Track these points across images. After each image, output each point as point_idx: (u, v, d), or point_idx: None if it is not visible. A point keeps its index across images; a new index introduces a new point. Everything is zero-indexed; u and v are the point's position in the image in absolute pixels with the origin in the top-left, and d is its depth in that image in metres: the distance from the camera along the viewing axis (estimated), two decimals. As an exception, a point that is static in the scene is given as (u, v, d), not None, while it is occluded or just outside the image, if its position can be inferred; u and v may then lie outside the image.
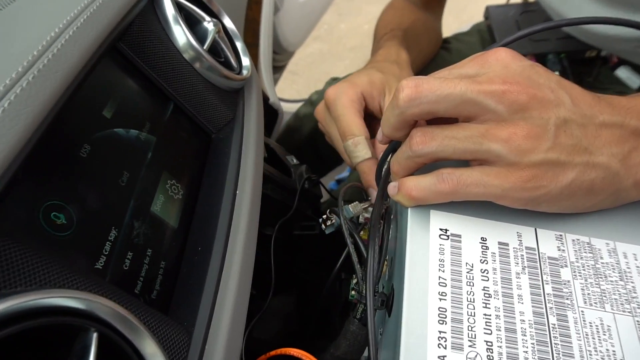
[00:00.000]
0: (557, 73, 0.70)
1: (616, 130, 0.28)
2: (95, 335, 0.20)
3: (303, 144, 0.82)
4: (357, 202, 0.39)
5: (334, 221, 0.39)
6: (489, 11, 0.80)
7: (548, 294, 0.28)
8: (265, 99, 0.67)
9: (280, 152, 0.54)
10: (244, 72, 0.43)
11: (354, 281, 0.39)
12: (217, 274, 0.30)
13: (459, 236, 0.30)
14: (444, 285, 0.28)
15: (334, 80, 0.82)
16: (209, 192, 0.36)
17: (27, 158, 0.21)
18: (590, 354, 0.26)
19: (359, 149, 0.42)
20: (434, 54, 0.78)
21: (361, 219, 0.39)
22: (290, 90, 1.83)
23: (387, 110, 0.29)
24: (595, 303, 0.28)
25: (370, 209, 0.39)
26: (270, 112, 0.69)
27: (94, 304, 0.21)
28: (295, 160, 0.54)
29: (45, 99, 0.22)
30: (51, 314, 0.19)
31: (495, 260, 0.29)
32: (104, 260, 0.26)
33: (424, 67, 0.75)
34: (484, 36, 0.81)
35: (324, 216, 0.39)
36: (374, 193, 0.42)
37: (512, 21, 0.78)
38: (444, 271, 0.28)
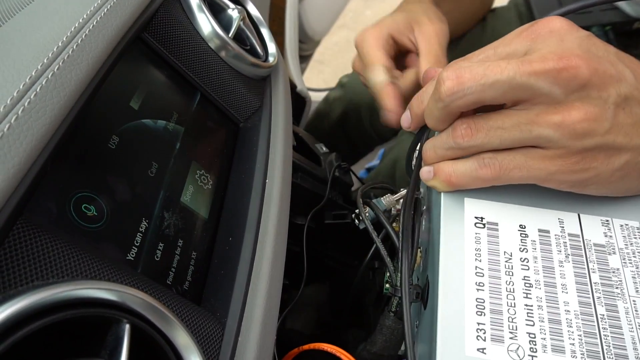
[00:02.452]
0: None
1: None
2: (127, 326, 0.20)
3: (333, 128, 0.81)
4: (389, 194, 0.38)
5: (368, 215, 0.37)
6: None
7: (595, 283, 0.26)
8: (293, 86, 0.66)
9: (309, 140, 0.53)
10: (270, 59, 0.43)
11: (388, 274, 0.38)
12: (248, 264, 0.30)
13: (496, 224, 0.28)
14: (481, 275, 0.26)
15: None
16: (238, 182, 0.35)
17: (56, 149, 0.21)
18: None
19: (375, 74, 0.43)
20: (480, 15, 0.73)
21: (393, 211, 0.38)
22: (317, 80, 1.82)
23: (429, 103, 0.27)
24: None
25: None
26: (298, 100, 0.68)
27: (127, 295, 0.20)
28: (324, 148, 0.53)
29: (71, 90, 0.22)
30: (84, 305, 0.19)
31: (535, 249, 0.27)
32: (135, 252, 0.26)
33: (465, 32, 0.71)
34: (522, 10, 0.76)
35: (356, 210, 0.39)
36: (388, 115, 0.42)
37: None
38: (480, 261, 0.27)
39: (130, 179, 0.27)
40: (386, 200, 0.38)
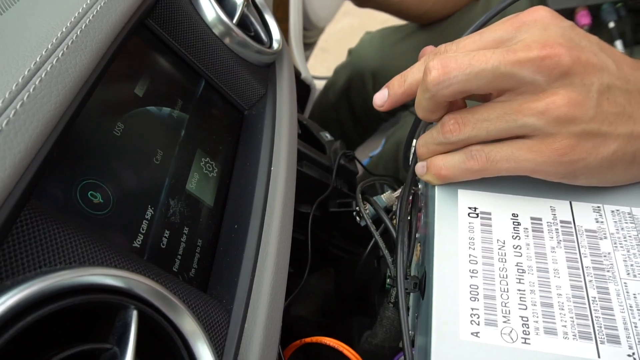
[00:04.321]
0: (612, 23, 0.65)
1: None
2: (135, 312, 0.20)
3: (338, 98, 0.81)
4: (390, 191, 0.38)
5: (368, 211, 0.38)
6: None
7: (587, 267, 0.27)
8: (297, 74, 0.66)
9: (313, 128, 0.52)
10: (275, 45, 0.42)
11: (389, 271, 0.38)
12: (254, 251, 0.30)
13: (489, 213, 0.29)
14: (475, 262, 0.27)
15: (370, 33, 0.79)
16: (243, 170, 0.35)
17: (61, 136, 0.21)
18: (635, 326, 0.24)
19: None
20: None
21: (394, 208, 0.39)
22: (321, 68, 1.80)
23: (418, 93, 0.27)
24: None
25: None
26: (303, 88, 0.68)
27: (133, 282, 0.20)
28: (329, 136, 0.53)
29: (76, 76, 0.22)
30: (91, 291, 0.19)
31: (528, 236, 0.28)
32: (141, 239, 0.26)
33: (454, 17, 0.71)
34: None
35: (357, 208, 0.39)
36: None
37: None
38: (474, 249, 0.27)
39: (135, 166, 0.27)
40: (386, 197, 0.38)
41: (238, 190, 0.34)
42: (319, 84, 1.02)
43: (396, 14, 0.58)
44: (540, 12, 0.26)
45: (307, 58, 1.26)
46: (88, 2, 0.26)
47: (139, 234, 0.26)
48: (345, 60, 0.82)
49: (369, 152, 1.19)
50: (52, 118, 0.20)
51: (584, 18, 0.67)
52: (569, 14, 0.68)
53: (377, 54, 0.73)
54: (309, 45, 1.23)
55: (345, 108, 0.81)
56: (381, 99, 0.31)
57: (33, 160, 0.19)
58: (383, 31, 0.75)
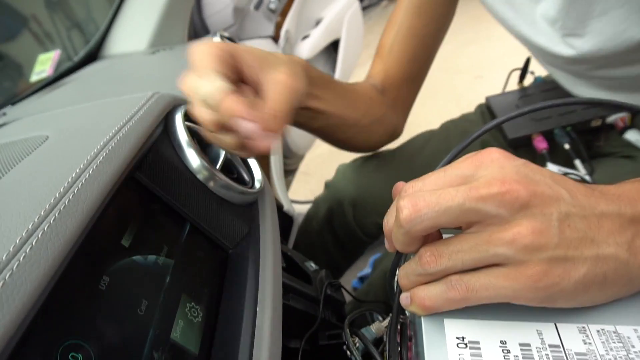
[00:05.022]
0: (567, 145, 0.71)
1: (616, 219, 0.28)
2: None
3: (321, 226, 0.83)
4: (379, 320, 0.38)
5: (357, 346, 0.37)
6: (489, 101, 0.83)
7: None
8: (279, 206, 0.68)
9: (298, 259, 0.53)
10: (257, 185, 0.45)
11: None
12: (241, 402, 0.29)
13: (477, 342, 0.28)
14: None
15: (344, 165, 0.84)
16: (228, 313, 0.35)
17: (47, 302, 0.21)
18: None
19: (212, 79, 0.35)
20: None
21: (385, 338, 0.38)
22: (304, 191, 1.87)
23: (394, 229, 0.29)
24: None
25: None
26: (285, 219, 0.70)
27: None
28: (314, 266, 0.53)
29: (65, 240, 0.23)
30: None
31: None
32: (122, 400, 0.25)
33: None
34: (487, 118, 0.83)
35: (346, 344, 0.38)
36: (238, 122, 0.34)
37: (512, 107, 0.81)
38: None
39: (119, 320, 0.27)
40: (375, 327, 0.37)
41: (224, 334, 0.33)
42: (302, 208, 1.05)
43: (318, 136, 0.62)
44: (495, 154, 0.29)
45: (289, 183, 1.31)
46: (82, 166, 0.28)
47: (120, 394, 0.25)
48: (324, 192, 0.86)
49: (357, 272, 1.19)
50: (39, 286, 0.20)
51: (541, 143, 0.74)
52: (527, 140, 0.75)
53: (353, 184, 0.78)
54: (290, 172, 1.29)
55: (329, 235, 0.83)
56: (386, 244, 0.33)
57: (15, 332, 0.19)
58: (355, 163, 0.81)
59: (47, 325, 0.23)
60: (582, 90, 0.67)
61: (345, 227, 0.82)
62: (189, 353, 0.31)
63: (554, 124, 0.74)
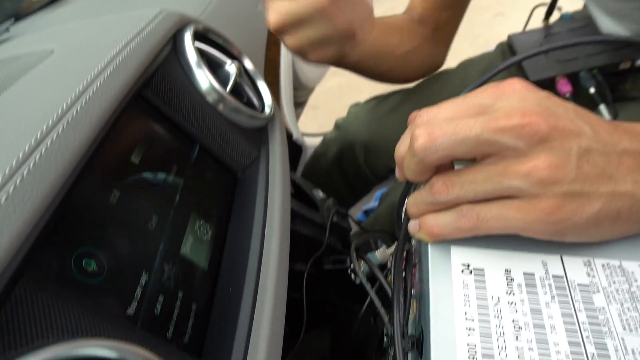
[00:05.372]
0: (592, 89, 0.68)
1: (638, 157, 0.27)
2: (127, 384, 0.19)
3: (330, 167, 0.84)
4: (383, 247, 0.39)
5: (362, 269, 0.38)
6: (511, 39, 0.79)
7: (583, 322, 0.27)
8: (289, 135, 0.68)
9: (306, 187, 0.53)
10: (267, 110, 0.44)
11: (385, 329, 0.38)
12: (249, 314, 0.30)
13: (482, 270, 0.29)
14: (471, 320, 0.27)
15: (356, 106, 0.83)
16: (237, 232, 0.36)
17: (58, 210, 0.21)
18: None
19: None
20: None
21: (389, 264, 0.39)
22: (312, 125, 1.85)
23: (407, 158, 0.29)
24: (636, 328, 0.26)
25: None
26: (295, 148, 0.70)
27: (126, 352, 0.20)
28: (322, 194, 0.54)
29: (74, 151, 0.23)
30: (84, 364, 0.19)
31: (522, 292, 0.28)
32: (135, 306, 0.26)
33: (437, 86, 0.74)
34: (508, 58, 0.80)
35: (352, 265, 0.39)
36: None
37: (536, 46, 0.77)
38: (469, 306, 0.27)
39: (130, 233, 0.28)
40: (380, 254, 0.38)
41: (232, 252, 0.34)
42: (311, 141, 1.04)
43: (356, 71, 0.62)
44: (517, 85, 0.28)
45: (298, 116, 1.30)
46: (88, 79, 0.27)
47: (133, 301, 0.26)
48: (334, 132, 0.85)
49: (362, 205, 1.20)
50: (49, 193, 0.20)
51: (565, 86, 0.71)
52: (550, 83, 0.72)
53: (366, 127, 0.77)
54: (299, 104, 1.27)
55: (339, 177, 0.83)
56: (397, 172, 0.32)
57: (30, 234, 0.19)
58: (368, 104, 0.79)
59: (61, 232, 0.23)
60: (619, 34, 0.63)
61: (356, 169, 0.81)
62: (198, 268, 0.32)
63: (580, 66, 0.70)
